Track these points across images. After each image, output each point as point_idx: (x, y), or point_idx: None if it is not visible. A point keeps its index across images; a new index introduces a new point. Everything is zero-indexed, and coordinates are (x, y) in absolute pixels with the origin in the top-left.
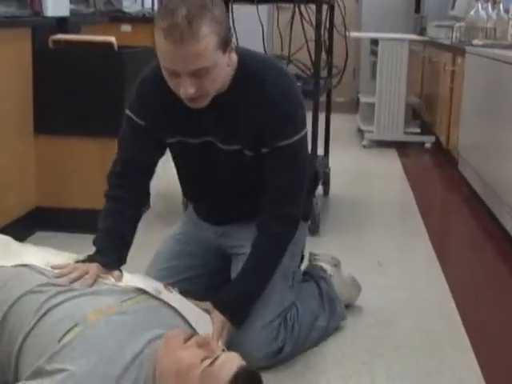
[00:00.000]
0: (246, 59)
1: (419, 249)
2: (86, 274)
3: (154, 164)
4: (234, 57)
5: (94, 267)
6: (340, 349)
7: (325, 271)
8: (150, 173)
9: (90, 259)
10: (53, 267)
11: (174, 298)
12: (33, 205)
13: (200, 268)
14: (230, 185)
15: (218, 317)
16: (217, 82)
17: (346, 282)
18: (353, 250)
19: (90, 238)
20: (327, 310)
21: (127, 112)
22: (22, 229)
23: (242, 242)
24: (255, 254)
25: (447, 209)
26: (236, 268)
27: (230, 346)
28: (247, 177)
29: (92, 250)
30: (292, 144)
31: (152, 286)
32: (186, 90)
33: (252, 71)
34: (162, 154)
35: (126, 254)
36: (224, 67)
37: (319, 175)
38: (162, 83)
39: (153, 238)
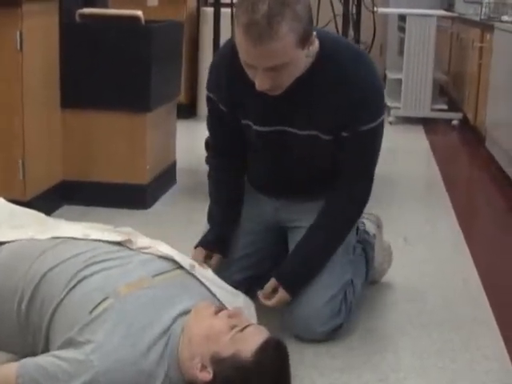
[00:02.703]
0: (325, 43)
1: (445, 225)
2: None
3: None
4: (316, 46)
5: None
6: (365, 325)
7: (368, 234)
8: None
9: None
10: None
11: (207, 275)
12: (59, 178)
13: (260, 243)
14: (300, 165)
15: (272, 282)
16: (294, 75)
17: (384, 247)
18: None
19: (115, 211)
20: (369, 276)
21: (206, 92)
22: (49, 202)
23: (301, 216)
24: (323, 221)
25: (474, 186)
26: (293, 240)
27: (294, 319)
28: (318, 160)
29: (116, 223)
30: (374, 128)
31: (187, 261)
32: (261, 84)
33: (330, 54)
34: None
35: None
36: (302, 60)
37: None
38: (237, 71)
39: (178, 212)
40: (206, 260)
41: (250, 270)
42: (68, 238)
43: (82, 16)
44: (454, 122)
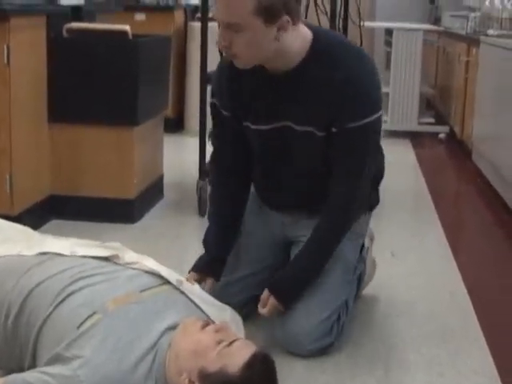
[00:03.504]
0: (319, 36)
1: (432, 238)
2: None
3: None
4: (307, 39)
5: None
6: (354, 339)
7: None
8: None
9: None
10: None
11: (194, 290)
12: (47, 193)
13: (268, 260)
14: (300, 167)
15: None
16: (252, 49)
17: (372, 260)
18: None
19: (103, 225)
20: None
21: (210, 99)
22: (37, 216)
23: (306, 232)
24: (313, 234)
25: (461, 199)
26: (294, 253)
27: (284, 335)
28: (318, 159)
29: (103, 238)
30: (361, 126)
31: (174, 276)
32: (219, 40)
33: (324, 48)
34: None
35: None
36: (265, 39)
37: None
38: (237, 74)
39: (166, 226)
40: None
41: (257, 289)
42: (55, 253)
43: (70, 30)
44: (441, 136)
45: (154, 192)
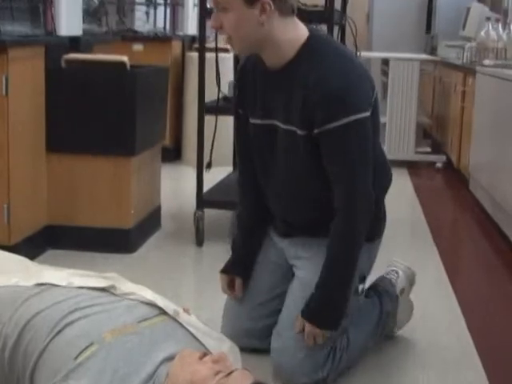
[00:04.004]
0: (315, 38)
1: (430, 268)
2: None
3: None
4: (302, 33)
5: None
6: (351, 369)
7: (393, 286)
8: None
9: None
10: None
11: (192, 321)
12: (44, 223)
13: (277, 289)
14: (289, 170)
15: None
16: (238, 31)
17: (409, 303)
18: None
19: (100, 255)
20: (380, 330)
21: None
22: (34, 246)
23: (298, 261)
24: (327, 248)
25: (458, 228)
26: (289, 289)
27: (276, 368)
28: (304, 162)
29: (100, 268)
30: (342, 126)
31: (171, 307)
32: (211, 22)
33: (314, 47)
34: None
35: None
36: (249, 21)
37: (390, 177)
38: (246, 71)
39: (163, 257)
40: (230, 288)
41: (268, 319)
42: (52, 284)
43: (68, 61)
44: (438, 165)
45: (151, 222)
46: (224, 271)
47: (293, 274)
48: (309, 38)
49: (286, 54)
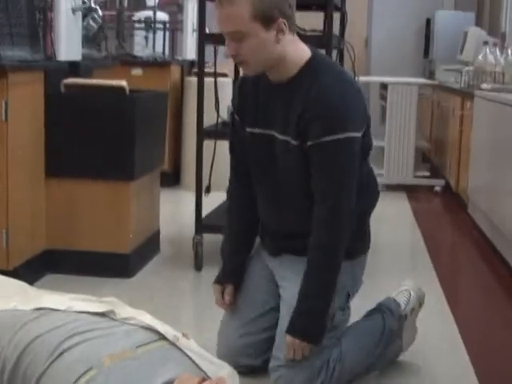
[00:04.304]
0: (318, 57)
1: (429, 292)
2: None
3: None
4: (305, 52)
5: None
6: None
7: (398, 305)
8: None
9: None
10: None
11: (191, 346)
12: (43, 247)
13: (268, 304)
14: (283, 181)
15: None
16: (258, 54)
17: (413, 325)
18: (362, 293)
19: (99, 280)
20: (383, 347)
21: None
22: (33, 271)
23: (283, 282)
24: (307, 260)
25: (457, 252)
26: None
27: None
28: (299, 175)
29: (99, 292)
30: (334, 142)
31: (171, 332)
32: (226, 50)
33: (317, 66)
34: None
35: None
36: (267, 43)
37: (376, 197)
38: (246, 82)
39: (162, 281)
40: (224, 298)
41: (261, 334)
42: (51, 309)
43: (67, 86)
44: (437, 189)
45: (150, 246)
46: (216, 281)
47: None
48: (312, 56)
49: (292, 70)
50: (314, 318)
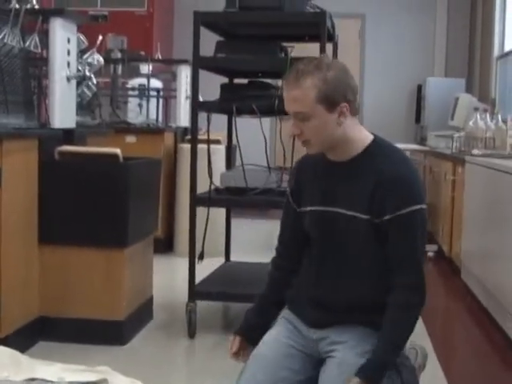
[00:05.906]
0: (379, 138)
1: None
2: None
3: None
4: (368, 135)
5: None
6: None
7: (407, 358)
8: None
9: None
10: None
11: None
12: (36, 314)
13: (299, 374)
14: (349, 258)
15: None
16: (320, 134)
17: None
18: None
19: (92, 347)
20: None
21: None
22: (25, 338)
23: (337, 346)
24: (384, 323)
25: (450, 317)
26: (323, 369)
27: None
28: (363, 246)
29: (92, 360)
30: (414, 212)
31: None
32: (290, 129)
33: (381, 148)
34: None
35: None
36: (329, 124)
37: None
38: (304, 162)
39: (155, 349)
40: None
41: None
42: (43, 379)
43: (62, 153)
44: (430, 254)
45: (143, 313)
46: (235, 333)
47: (321, 360)
48: (375, 138)
49: (355, 150)
50: (384, 370)
